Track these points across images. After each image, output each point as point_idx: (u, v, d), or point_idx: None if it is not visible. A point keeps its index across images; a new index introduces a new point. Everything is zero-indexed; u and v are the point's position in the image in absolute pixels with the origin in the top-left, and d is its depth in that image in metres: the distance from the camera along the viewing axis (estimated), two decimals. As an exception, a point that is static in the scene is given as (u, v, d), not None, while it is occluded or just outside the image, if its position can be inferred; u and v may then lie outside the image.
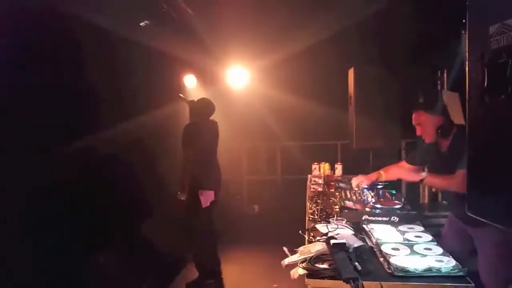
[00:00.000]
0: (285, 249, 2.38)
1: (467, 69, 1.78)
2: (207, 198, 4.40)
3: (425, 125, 2.99)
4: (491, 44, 1.60)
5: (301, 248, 2.35)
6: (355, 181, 3.53)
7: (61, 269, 4.18)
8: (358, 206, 2.97)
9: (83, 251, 4.56)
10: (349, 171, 4.73)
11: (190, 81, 7.33)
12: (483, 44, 1.65)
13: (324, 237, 2.39)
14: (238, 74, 7.20)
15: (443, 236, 3.13)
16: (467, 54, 1.76)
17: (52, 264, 4.16)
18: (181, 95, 4.90)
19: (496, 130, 1.65)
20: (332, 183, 4.04)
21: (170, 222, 5.42)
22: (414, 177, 3.06)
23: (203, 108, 4.68)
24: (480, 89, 1.68)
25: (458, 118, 3.00)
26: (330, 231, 2.50)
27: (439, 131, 2.92)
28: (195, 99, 4.85)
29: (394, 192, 3.35)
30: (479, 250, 2.86)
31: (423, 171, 3.25)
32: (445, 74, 5.43)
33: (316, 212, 3.08)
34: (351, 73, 5.12)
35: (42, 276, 4.09)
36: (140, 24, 4.44)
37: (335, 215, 2.90)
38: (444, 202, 5.87)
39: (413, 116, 3.07)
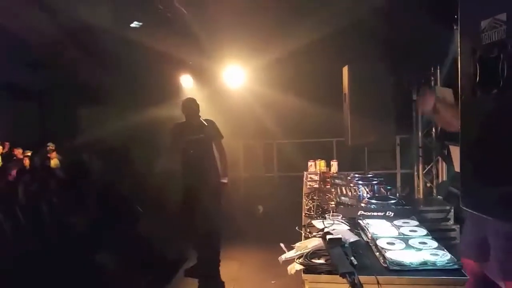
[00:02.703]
0: (282, 245, 2.39)
1: (459, 64, 1.79)
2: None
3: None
4: (483, 39, 1.61)
5: (297, 244, 2.36)
6: None
7: (60, 265, 4.20)
8: (353, 202, 2.99)
9: (83, 248, 4.59)
10: (344, 168, 4.76)
11: (187, 81, 7.35)
12: (475, 39, 1.66)
13: (320, 232, 2.40)
14: (235, 73, 7.21)
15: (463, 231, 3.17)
16: (459, 49, 1.78)
17: (51, 261, 4.19)
18: None
19: (488, 124, 1.66)
20: (328, 180, 4.05)
21: (169, 219, 5.45)
22: None
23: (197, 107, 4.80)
24: (472, 84, 1.69)
25: (449, 116, 3.03)
26: (326, 227, 2.51)
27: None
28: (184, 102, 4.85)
29: (389, 187, 3.36)
30: (490, 243, 2.84)
31: None
32: (438, 70, 5.45)
33: (312, 208, 3.09)
34: (345, 70, 5.12)
35: (40, 272, 4.11)
36: (131, 25, 4.45)
37: (331, 211, 2.91)
38: (439, 197, 5.91)
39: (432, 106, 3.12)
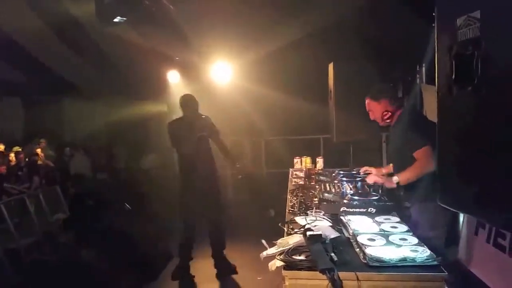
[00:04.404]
0: (263, 241, 2.39)
1: (436, 61, 1.79)
2: None
3: (373, 110, 3.33)
4: (459, 36, 1.62)
5: (279, 241, 2.37)
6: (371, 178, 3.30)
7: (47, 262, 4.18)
8: (336, 198, 3.00)
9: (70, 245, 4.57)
10: (331, 165, 4.78)
11: (173, 77, 7.31)
12: (451, 36, 1.66)
13: (301, 229, 2.41)
14: (222, 70, 7.19)
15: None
16: (436, 46, 1.78)
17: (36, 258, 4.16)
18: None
19: (464, 121, 1.67)
20: (313, 176, 4.06)
21: (155, 217, 5.43)
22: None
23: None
24: (448, 81, 1.69)
25: (433, 112, 3.07)
26: (308, 223, 2.52)
27: (384, 114, 3.26)
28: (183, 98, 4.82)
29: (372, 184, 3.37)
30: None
31: None
32: (423, 68, 5.48)
33: (296, 205, 3.10)
34: (331, 68, 5.13)
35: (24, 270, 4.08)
36: (115, 20, 4.40)
37: (314, 208, 2.92)
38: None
39: (366, 103, 3.37)
